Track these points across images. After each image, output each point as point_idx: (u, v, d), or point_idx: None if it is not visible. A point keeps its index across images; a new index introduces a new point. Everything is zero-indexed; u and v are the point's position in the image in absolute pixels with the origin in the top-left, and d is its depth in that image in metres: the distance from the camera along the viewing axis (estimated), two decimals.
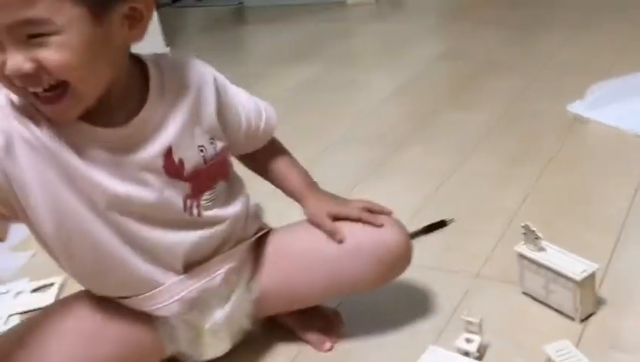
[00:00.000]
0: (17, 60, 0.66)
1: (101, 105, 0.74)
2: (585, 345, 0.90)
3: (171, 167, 0.79)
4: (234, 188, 0.90)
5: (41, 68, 0.67)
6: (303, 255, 0.92)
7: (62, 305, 0.89)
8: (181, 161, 0.80)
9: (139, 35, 0.75)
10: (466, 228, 1.21)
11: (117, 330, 0.85)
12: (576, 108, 1.59)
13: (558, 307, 0.96)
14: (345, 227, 0.90)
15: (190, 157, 0.81)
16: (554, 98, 1.68)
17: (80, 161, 0.74)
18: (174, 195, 0.81)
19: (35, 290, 1.21)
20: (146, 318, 0.86)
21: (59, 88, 0.69)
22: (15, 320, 1.14)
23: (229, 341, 0.92)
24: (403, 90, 1.92)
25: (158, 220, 0.80)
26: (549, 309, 0.97)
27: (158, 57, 0.83)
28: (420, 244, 1.18)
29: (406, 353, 0.91)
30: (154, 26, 2.45)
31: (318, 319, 0.99)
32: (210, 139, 0.83)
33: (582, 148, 1.45)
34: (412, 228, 1.21)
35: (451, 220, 1.23)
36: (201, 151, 0.82)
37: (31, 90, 0.69)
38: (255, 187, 0.96)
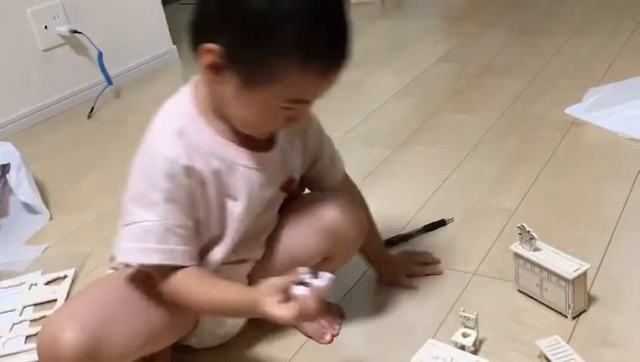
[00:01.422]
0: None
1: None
2: (576, 340, 0.94)
3: (287, 187, 0.96)
4: None
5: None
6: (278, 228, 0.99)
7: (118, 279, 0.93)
8: (292, 179, 0.96)
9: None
10: (465, 227, 1.25)
11: (159, 301, 0.88)
12: (575, 111, 1.63)
13: (551, 304, 1.00)
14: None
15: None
16: (553, 101, 1.72)
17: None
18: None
19: (48, 283, 1.26)
20: None
21: None
22: (30, 311, 1.18)
23: (227, 328, 1.00)
24: (407, 90, 1.96)
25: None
26: (543, 306, 1.01)
27: None
28: (420, 242, 1.23)
29: (405, 346, 0.95)
30: (161, 24, 2.49)
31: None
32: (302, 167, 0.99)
33: (579, 150, 1.49)
34: (413, 226, 1.26)
35: (451, 219, 1.27)
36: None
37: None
38: None
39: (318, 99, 0.84)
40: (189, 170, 0.83)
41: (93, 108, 2.10)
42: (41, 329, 0.85)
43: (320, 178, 1.02)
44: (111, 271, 0.95)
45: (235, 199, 0.88)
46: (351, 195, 1.03)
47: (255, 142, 0.88)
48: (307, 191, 1.04)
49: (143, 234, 0.82)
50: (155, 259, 0.83)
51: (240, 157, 0.87)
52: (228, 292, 0.85)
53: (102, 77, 2.19)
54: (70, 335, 0.79)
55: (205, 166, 0.84)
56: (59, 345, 0.78)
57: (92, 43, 2.18)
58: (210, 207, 0.87)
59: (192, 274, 0.85)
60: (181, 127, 0.84)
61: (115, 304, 0.86)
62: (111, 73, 2.22)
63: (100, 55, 2.18)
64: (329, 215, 0.95)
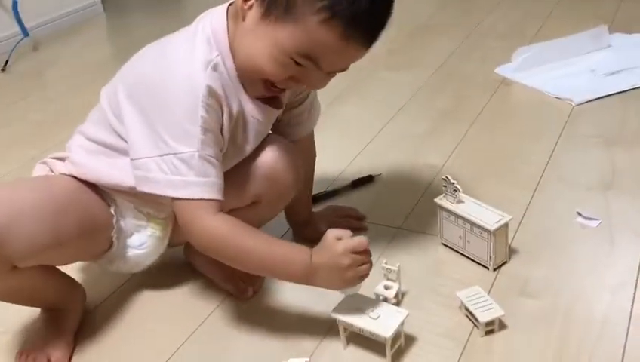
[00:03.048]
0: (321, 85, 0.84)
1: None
2: (496, 291, 0.94)
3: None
4: None
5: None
6: None
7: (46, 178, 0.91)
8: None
9: None
10: (392, 183, 1.24)
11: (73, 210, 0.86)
12: (503, 71, 1.63)
13: (473, 256, 1.00)
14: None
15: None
16: (484, 60, 1.72)
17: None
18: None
19: None
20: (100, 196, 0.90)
21: None
22: None
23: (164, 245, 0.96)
24: None
25: None
26: (466, 259, 1.01)
27: None
28: (347, 198, 1.21)
29: (327, 297, 0.93)
30: None
31: (239, 270, 1.00)
32: None
33: (506, 109, 1.50)
34: (341, 183, 1.24)
35: (378, 175, 1.25)
36: None
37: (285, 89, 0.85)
38: None
39: (333, 72, 0.80)
40: (222, 102, 0.81)
41: (7, 60, 1.97)
42: None
43: (295, 123, 0.99)
44: (38, 168, 0.92)
45: (243, 141, 0.87)
46: (307, 150, 1.00)
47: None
48: None
49: (181, 166, 0.78)
50: (197, 193, 0.79)
51: (252, 108, 0.86)
52: (282, 248, 0.83)
53: (17, 28, 2.06)
54: None
55: (231, 103, 0.83)
56: None
57: None
58: (225, 142, 0.85)
59: (236, 223, 0.81)
60: (216, 61, 0.81)
61: (26, 199, 0.81)
62: (28, 25, 2.09)
63: (15, 4, 2.03)
64: (262, 157, 0.91)
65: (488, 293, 0.92)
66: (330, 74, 0.82)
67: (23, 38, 2.05)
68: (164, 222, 0.94)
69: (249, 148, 0.89)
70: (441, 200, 1.01)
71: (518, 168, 1.25)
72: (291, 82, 0.82)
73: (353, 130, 1.46)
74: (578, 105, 1.45)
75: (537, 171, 1.22)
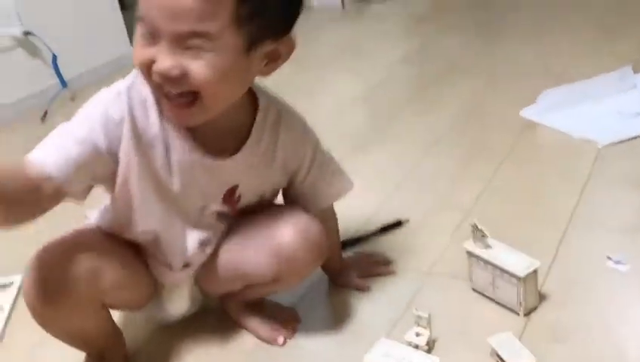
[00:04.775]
0: (167, 64, 0.74)
1: (205, 127, 0.83)
2: (527, 337, 0.94)
3: (228, 200, 0.91)
4: None
5: (185, 76, 0.74)
6: (235, 240, 0.96)
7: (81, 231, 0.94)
8: (239, 197, 0.91)
9: (271, 72, 0.83)
10: (420, 227, 1.26)
11: (124, 254, 0.92)
12: (528, 113, 1.65)
13: (503, 302, 1.01)
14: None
15: (249, 198, 0.93)
16: (508, 102, 1.74)
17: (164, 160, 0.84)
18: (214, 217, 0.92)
19: None
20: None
21: (190, 96, 0.77)
22: None
23: (188, 303, 1.01)
24: (366, 94, 1.96)
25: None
26: (496, 304, 1.02)
27: (272, 102, 0.91)
28: (376, 244, 1.23)
29: (358, 346, 0.94)
30: (118, 26, 2.44)
31: (273, 317, 1.03)
32: (274, 189, 0.95)
33: (533, 150, 1.51)
34: (370, 227, 1.26)
35: (407, 220, 1.27)
36: (261, 197, 0.95)
37: (166, 88, 0.76)
38: None
39: (157, 32, 0.74)
40: (126, 124, 0.82)
41: (46, 111, 2.05)
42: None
43: (312, 194, 0.98)
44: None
45: (168, 179, 0.87)
46: (325, 220, 0.99)
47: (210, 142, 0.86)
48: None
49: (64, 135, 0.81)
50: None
51: (179, 145, 0.84)
52: None
53: (56, 80, 2.15)
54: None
55: (144, 127, 0.83)
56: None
57: (46, 45, 2.13)
58: (130, 166, 0.84)
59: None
60: (128, 84, 0.83)
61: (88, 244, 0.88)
62: (66, 76, 2.18)
63: (55, 58, 2.13)
64: (284, 237, 0.90)
65: (519, 339, 0.93)
66: (170, 45, 0.74)
67: (61, 90, 2.14)
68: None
69: (176, 188, 0.86)
70: (469, 246, 1.03)
71: (546, 211, 1.25)
72: (155, 73, 0.75)
73: (379, 175, 1.48)
74: (604, 146, 1.45)
75: (566, 213, 1.23)
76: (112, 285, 0.88)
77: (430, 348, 0.94)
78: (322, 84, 2.06)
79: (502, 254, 1.00)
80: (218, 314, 1.06)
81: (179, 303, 1.01)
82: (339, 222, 1.11)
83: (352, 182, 1.03)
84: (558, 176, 1.38)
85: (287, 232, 0.90)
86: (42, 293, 0.83)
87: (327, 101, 1.94)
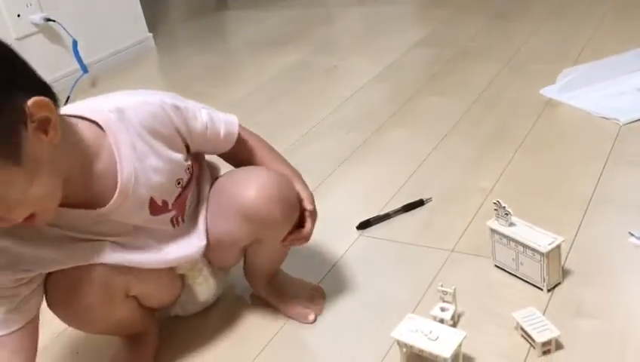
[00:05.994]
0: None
1: (75, 195, 0.79)
2: (551, 312, 0.96)
3: (157, 210, 0.88)
4: (201, 173, 0.96)
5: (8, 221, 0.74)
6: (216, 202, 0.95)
7: None
8: (164, 201, 0.88)
9: (57, 134, 0.73)
10: (443, 206, 1.27)
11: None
12: (549, 92, 1.65)
13: (527, 278, 1.02)
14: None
15: (171, 193, 0.89)
16: (527, 83, 1.74)
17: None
18: (163, 223, 0.90)
19: None
20: None
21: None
22: None
23: (214, 281, 1.03)
24: (383, 76, 1.97)
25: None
26: (519, 280, 1.03)
27: (110, 122, 0.82)
28: (399, 222, 1.24)
29: (385, 322, 0.97)
30: (137, 12, 2.47)
31: (300, 294, 1.05)
32: (187, 168, 0.90)
33: (553, 130, 1.51)
34: (392, 207, 1.28)
35: (429, 199, 1.29)
36: (179, 183, 0.90)
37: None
38: None
39: None
40: None
41: (69, 97, 2.08)
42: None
43: (215, 147, 0.94)
44: None
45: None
46: (251, 150, 0.96)
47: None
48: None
49: None
50: None
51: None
52: None
53: (77, 65, 2.17)
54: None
55: None
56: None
57: (66, 31, 2.16)
58: None
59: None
60: None
61: None
62: (86, 61, 2.21)
63: (75, 43, 2.15)
64: (243, 197, 0.89)
65: (543, 314, 0.94)
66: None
67: (82, 75, 2.17)
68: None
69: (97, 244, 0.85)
70: (493, 224, 1.04)
71: (567, 189, 1.27)
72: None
73: (401, 156, 1.50)
74: (625, 124, 1.46)
75: (587, 192, 1.24)
76: (141, 293, 0.94)
77: (455, 322, 0.97)
78: (339, 67, 2.07)
79: (525, 231, 1.01)
80: (243, 289, 1.09)
81: (204, 286, 1.02)
82: (360, 203, 1.10)
83: (232, 115, 0.96)
84: (579, 154, 1.39)
85: (247, 192, 0.89)
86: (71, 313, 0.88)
87: (345, 84, 1.95)
